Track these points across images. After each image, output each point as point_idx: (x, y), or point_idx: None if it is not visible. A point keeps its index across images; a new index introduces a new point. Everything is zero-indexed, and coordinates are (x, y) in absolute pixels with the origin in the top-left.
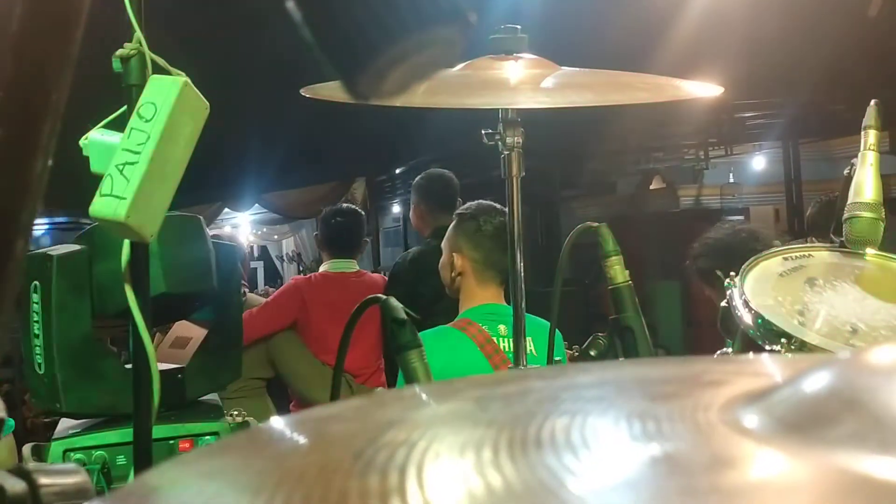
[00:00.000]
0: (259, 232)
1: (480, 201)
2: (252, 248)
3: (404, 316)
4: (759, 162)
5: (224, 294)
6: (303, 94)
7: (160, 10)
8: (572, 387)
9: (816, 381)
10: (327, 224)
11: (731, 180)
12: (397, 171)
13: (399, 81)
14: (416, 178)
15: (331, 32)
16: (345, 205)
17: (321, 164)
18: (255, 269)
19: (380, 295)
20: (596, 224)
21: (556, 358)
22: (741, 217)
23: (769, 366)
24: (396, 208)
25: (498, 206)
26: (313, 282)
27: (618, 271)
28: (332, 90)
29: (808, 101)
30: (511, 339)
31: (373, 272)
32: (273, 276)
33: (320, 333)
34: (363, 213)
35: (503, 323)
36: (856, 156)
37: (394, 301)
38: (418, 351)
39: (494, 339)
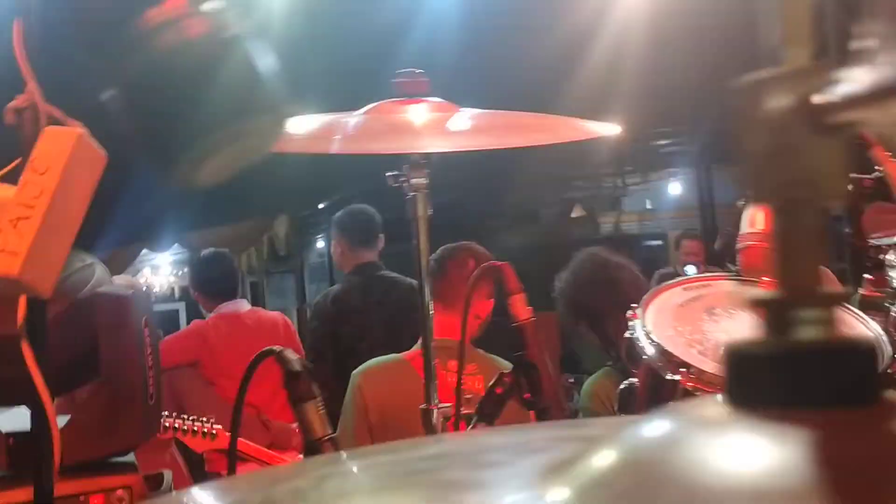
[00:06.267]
0: (180, 273)
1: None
2: (174, 288)
3: (299, 368)
4: (675, 188)
5: (109, 353)
6: None
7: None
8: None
9: (608, 456)
10: (197, 277)
11: (649, 206)
12: (320, 206)
13: (215, 169)
14: (337, 214)
15: (145, 127)
16: (206, 251)
17: (242, 201)
18: (177, 310)
19: (274, 347)
20: (498, 263)
21: (468, 396)
22: (660, 242)
23: (585, 430)
24: (321, 243)
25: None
26: (211, 324)
27: (520, 309)
28: None
29: (717, 127)
30: (459, 375)
31: (297, 308)
32: (195, 317)
33: (224, 373)
34: (227, 251)
35: (453, 358)
36: None
37: (289, 353)
38: (314, 402)
39: (444, 373)
